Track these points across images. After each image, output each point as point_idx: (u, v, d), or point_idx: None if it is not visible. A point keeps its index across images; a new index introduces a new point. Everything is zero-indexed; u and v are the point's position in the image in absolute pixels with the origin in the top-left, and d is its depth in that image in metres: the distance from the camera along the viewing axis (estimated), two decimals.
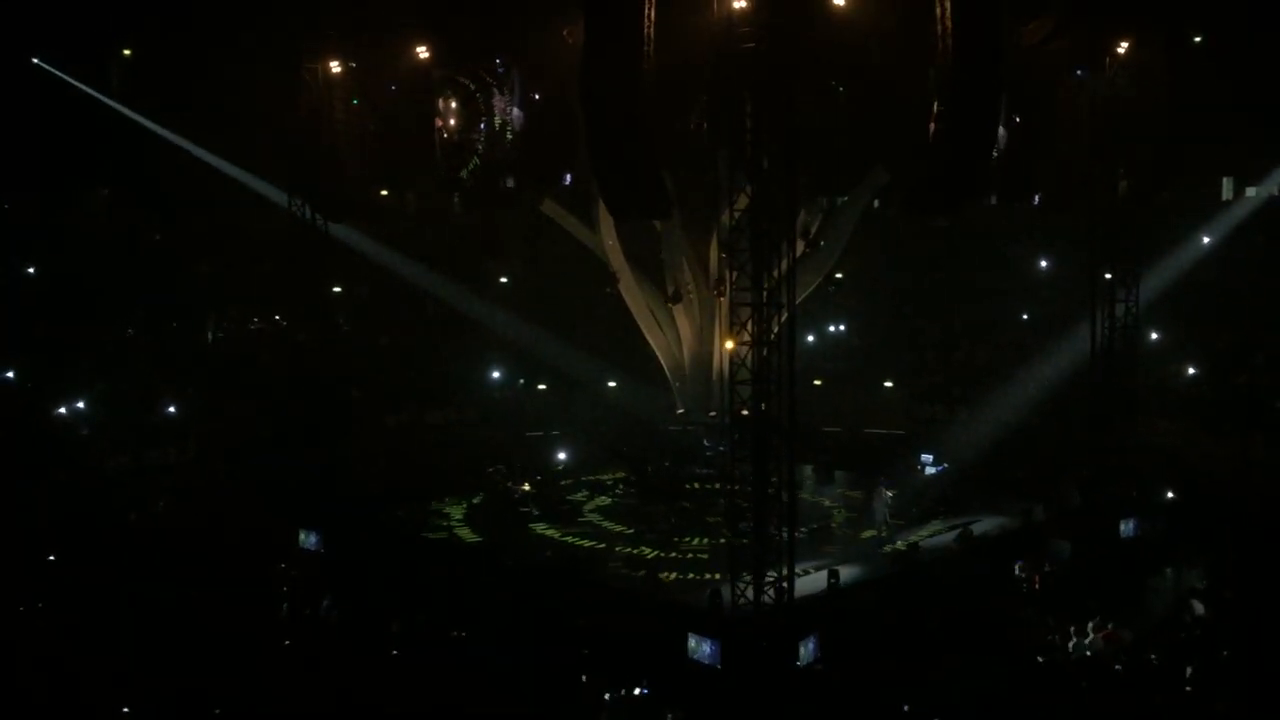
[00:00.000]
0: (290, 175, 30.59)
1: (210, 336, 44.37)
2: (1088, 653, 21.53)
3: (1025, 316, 42.53)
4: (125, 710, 19.09)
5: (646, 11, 21.76)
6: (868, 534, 27.97)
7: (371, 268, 40.21)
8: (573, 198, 34.35)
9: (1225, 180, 39.33)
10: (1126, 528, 27.96)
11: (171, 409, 38.13)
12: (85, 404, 37.15)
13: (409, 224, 40.50)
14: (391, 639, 22.78)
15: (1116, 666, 20.96)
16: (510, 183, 30.60)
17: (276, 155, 32.80)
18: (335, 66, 29.27)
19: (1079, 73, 28.67)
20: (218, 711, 19.20)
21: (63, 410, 36.83)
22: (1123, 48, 27.87)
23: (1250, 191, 38.59)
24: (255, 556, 26.88)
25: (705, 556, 26.11)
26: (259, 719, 19.67)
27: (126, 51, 39.88)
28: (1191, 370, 38.85)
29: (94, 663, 20.83)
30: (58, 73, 36.98)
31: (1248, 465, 31.83)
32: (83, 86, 37.60)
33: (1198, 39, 30.03)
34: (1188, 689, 19.63)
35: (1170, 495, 29.94)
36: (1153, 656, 21.12)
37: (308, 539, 28.09)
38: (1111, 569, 26.03)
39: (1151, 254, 32.63)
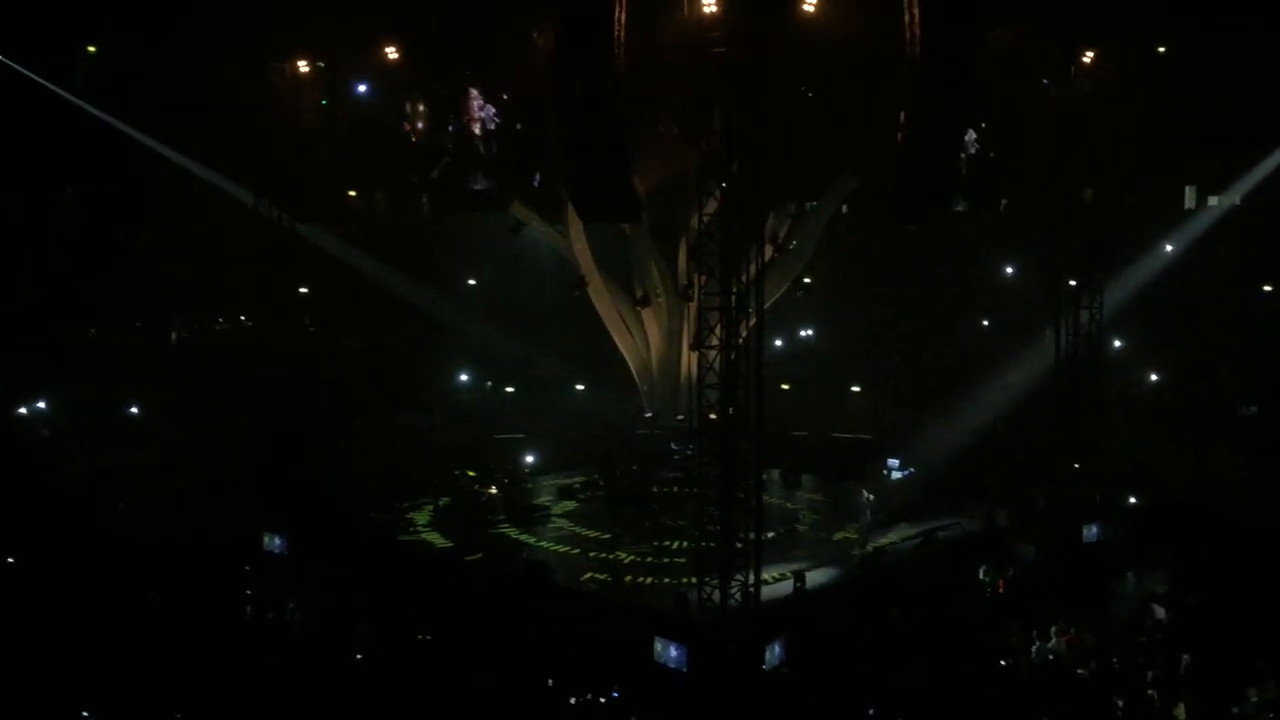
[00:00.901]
0: (257, 175, 30.34)
1: (174, 337, 43.91)
2: (1050, 657, 21.69)
3: (985, 323, 42.77)
4: (85, 715, 18.87)
5: (617, 15, 21.74)
6: (839, 536, 28.09)
7: (340, 269, 39.93)
8: (542, 200, 34.26)
9: (1188, 189, 39.62)
10: (1090, 532, 28.13)
11: (134, 410, 37.70)
12: (46, 405, 36.67)
13: (377, 225, 40.25)
14: (357, 642, 22.61)
15: (1079, 670, 21.12)
16: (479, 184, 30.54)
17: (243, 155, 32.53)
18: (304, 66, 29.10)
19: (1045, 81, 28.90)
20: (178, 716, 19.01)
21: (23, 411, 36.35)
22: (1088, 56, 28.12)
23: (1213, 201, 38.93)
24: (219, 559, 26.63)
25: (682, 561, 26.11)
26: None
27: (91, 49, 39.39)
28: (1154, 377, 39.18)
29: (52, 666, 20.54)
30: (20, 69, 36.49)
31: (1210, 471, 32.11)
32: (46, 84, 37.12)
33: (1162, 49, 30.31)
34: (1149, 693, 19.78)
35: (1133, 500, 30.20)
36: (1115, 661, 21.29)
37: (272, 542, 27.86)
38: (1075, 573, 26.21)
39: (1115, 262, 32.91)
